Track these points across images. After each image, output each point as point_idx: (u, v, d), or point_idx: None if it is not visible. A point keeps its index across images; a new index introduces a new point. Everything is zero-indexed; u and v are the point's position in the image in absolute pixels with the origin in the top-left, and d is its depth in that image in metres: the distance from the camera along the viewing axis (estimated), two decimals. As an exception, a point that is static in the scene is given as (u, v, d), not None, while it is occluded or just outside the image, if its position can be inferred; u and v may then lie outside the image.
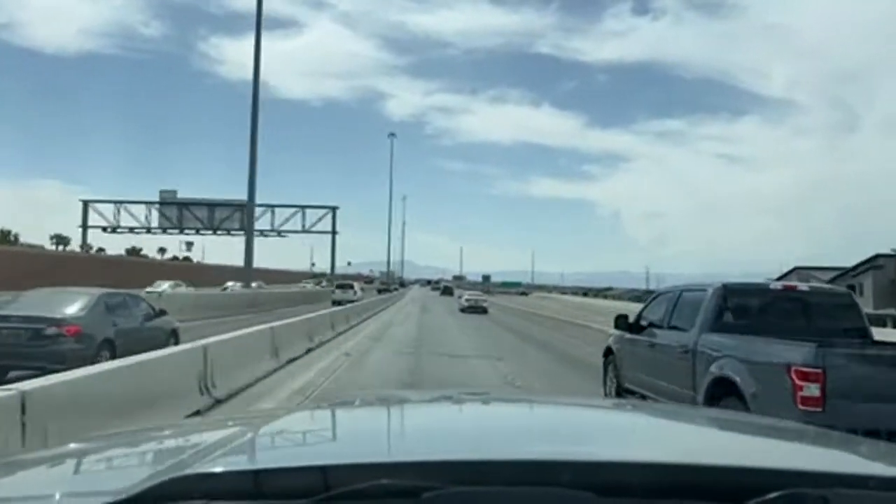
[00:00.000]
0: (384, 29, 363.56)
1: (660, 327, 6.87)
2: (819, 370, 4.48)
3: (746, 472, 1.14)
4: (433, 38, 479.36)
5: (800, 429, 2.04)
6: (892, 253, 43.96)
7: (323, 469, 1.05)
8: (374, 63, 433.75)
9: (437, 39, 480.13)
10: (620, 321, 7.66)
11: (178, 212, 69.52)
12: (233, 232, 66.33)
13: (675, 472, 1.12)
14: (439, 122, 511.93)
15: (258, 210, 55.20)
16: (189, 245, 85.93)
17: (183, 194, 71.32)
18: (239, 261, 40.67)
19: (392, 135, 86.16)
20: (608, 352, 8.27)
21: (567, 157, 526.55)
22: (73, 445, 1.64)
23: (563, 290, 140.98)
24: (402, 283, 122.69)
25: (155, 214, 69.92)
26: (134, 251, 79.47)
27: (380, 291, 67.71)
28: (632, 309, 10.88)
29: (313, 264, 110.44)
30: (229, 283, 45.93)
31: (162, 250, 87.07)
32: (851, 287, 27.32)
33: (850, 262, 47.37)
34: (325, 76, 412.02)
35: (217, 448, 1.24)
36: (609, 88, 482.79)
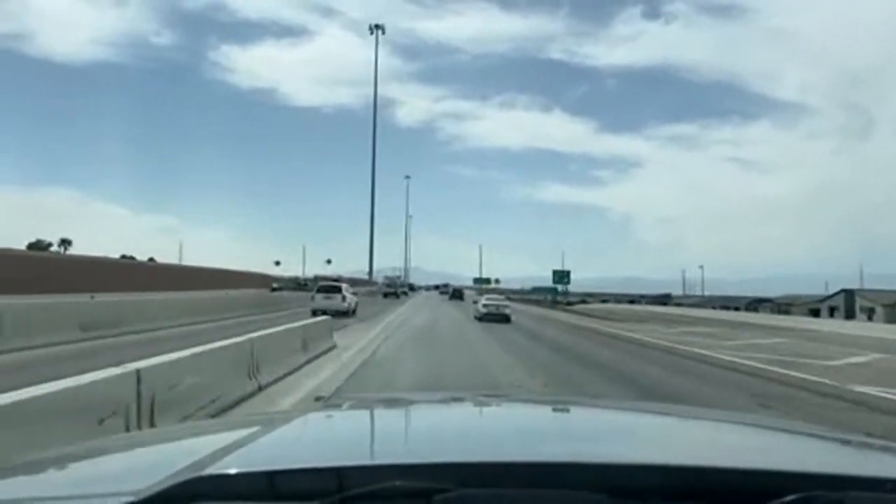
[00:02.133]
0: (393, 36, 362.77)
1: None
2: None
3: (762, 474, 1.17)
4: (443, 44, 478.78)
5: (815, 431, 2.09)
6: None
7: (337, 470, 1.10)
8: (384, 70, 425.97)
9: (447, 45, 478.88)
10: None
11: None
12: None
13: (689, 474, 1.15)
14: (449, 128, 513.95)
15: None
16: None
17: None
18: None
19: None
20: None
21: (578, 162, 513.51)
22: (89, 445, 1.70)
23: (605, 299, 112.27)
24: (412, 287, 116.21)
25: None
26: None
27: (385, 296, 65.07)
28: None
29: (277, 263, 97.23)
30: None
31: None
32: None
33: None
34: (336, 83, 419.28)
35: (232, 449, 1.30)
36: (620, 93, 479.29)
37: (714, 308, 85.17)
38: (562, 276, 64.02)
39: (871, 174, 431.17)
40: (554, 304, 70.78)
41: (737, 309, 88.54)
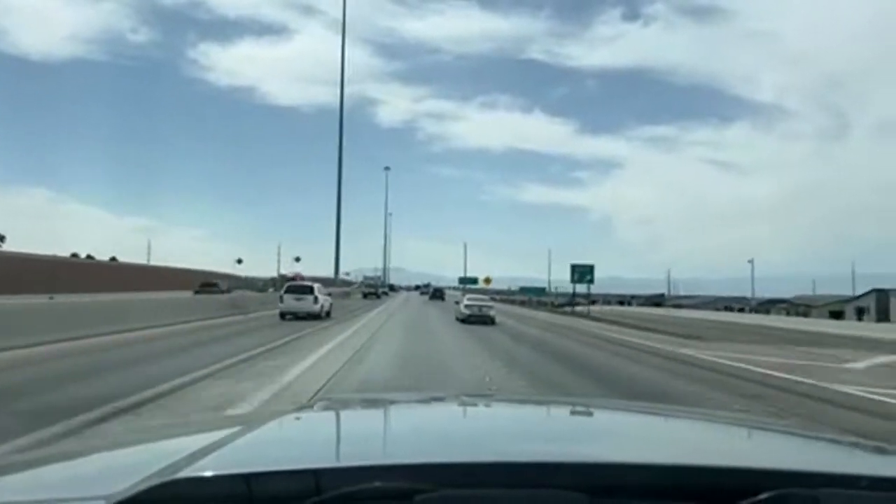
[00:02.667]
0: (375, 35, 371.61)
1: None
2: None
3: (737, 472, 1.19)
4: (424, 44, 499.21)
5: (790, 429, 2.21)
6: None
7: (315, 472, 1.08)
8: (365, 69, 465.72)
9: (428, 45, 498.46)
10: None
11: None
12: None
13: (666, 473, 1.17)
14: (430, 128, 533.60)
15: None
16: None
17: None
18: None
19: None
20: None
21: (558, 163, 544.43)
22: (62, 448, 1.83)
23: (593, 299, 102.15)
24: (392, 287, 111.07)
25: None
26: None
27: (365, 296, 63.90)
28: None
29: (239, 261, 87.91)
30: None
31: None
32: None
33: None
34: (316, 82, 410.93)
35: (209, 451, 1.29)
36: (600, 94, 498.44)
37: (720, 309, 75.93)
38: (584, 272, 46.68)
39: (850, 176, 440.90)
40: (539, 306, 64.58)
41: (741, 310, 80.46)
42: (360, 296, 66.38)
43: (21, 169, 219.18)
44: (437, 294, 71.66)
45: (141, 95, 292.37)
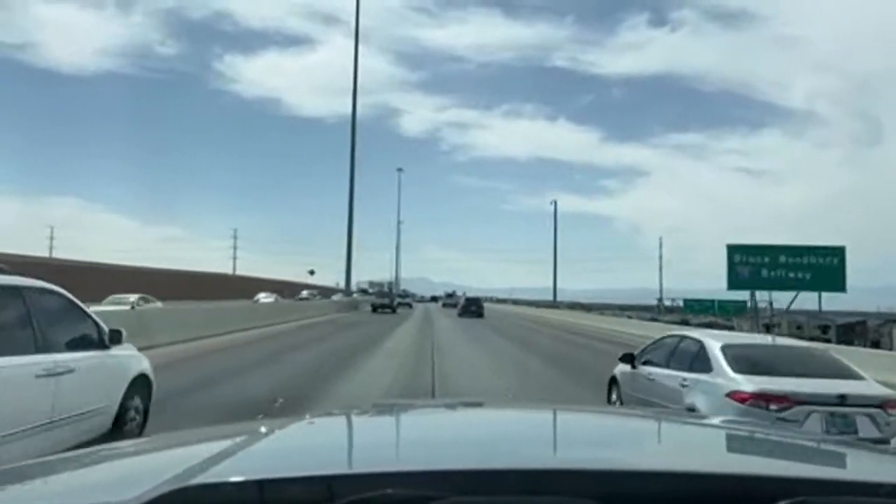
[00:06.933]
0: (397, 44, 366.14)
1: None
2: None
3: (755, 480, 1.20)
4: (447, 52, 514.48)
5: (809, 436, 2.26)
6: None
7: (328, 479, 1.11)
8: (388, 79, 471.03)
9: (451, 54, 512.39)
10: None
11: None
12: None
13: (682, 480, 1.18)
14: (454, 137, 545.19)
15: None
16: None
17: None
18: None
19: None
20: None
21: (584, 171, 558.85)
22: (76, 454, 1.77)
23: (771, 320, 58.95)
24: (411, 297, 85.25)
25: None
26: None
27: (375, 310, 49.37)
28: None
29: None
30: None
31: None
32: None
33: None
34: (339, 93, 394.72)
35: (221, 458, 1.32)
36: (626, 102, 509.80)
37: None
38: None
39: (881, 182, 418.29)
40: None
41: None
42: (370, 309, 49.70)
43: (52, 179, 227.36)
44: (473, 308, 47.73)
45: (168, 106, 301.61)
